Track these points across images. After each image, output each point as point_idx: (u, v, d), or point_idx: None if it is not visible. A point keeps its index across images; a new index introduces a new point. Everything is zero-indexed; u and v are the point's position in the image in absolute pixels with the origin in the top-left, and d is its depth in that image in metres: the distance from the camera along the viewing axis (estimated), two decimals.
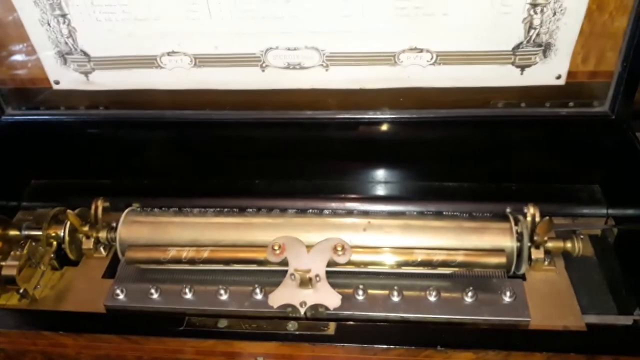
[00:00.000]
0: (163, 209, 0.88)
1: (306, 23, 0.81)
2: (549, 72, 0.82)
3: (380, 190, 0.96)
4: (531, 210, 0.80)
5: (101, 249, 0.89)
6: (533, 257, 0.79)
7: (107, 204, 0.89)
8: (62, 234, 0.85)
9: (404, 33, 0.80)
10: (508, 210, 0.84)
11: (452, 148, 0.91)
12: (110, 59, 0.88)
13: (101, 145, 0.96)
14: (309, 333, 0.63)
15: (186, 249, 0.80)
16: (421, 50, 0.82)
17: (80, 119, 0.94)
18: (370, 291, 0.77)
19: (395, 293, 0.76)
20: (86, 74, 0.90)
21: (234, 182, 0.97)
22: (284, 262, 0.76)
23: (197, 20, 0.82)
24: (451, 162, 0.93)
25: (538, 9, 0.76)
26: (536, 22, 0.77)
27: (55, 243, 0.86)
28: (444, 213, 0.87)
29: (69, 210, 0.85)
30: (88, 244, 0.87)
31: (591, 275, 0.84)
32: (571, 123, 0.86)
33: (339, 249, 0.77)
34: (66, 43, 0.87)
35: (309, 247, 0.78)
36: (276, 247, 0.77)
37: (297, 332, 0.63)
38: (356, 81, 0.86)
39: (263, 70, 0.86)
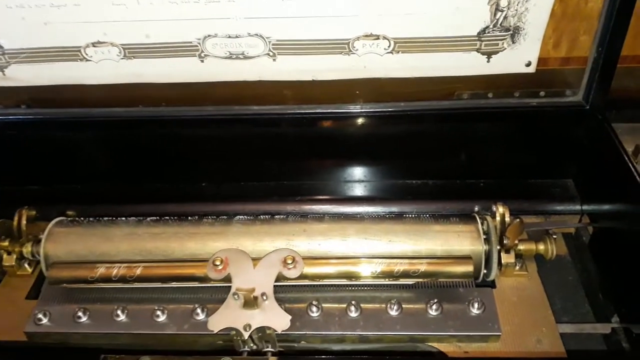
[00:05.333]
0: (99, 218, 0.82)
1: (247, 7, 0.74)
2: (518, 58, 0.79)
3: (339, 191, 0.93)
4: (500, 210, 0.78)
5: (26, 265, 0.83)
6: (503, 262, 0.77)
7: (33, 213, 0.83)
8: None
9: (358, 18, 0.75)
10: (476, 209, 0.82)
11: (415, 143, 0.87)
12: (27, 51, 0.80)
13: (25, 147, 0.89)
14: None
15: (116, 265, 0.74)
16: (377, 37, 0.77)
17: None
18: (325, 305, 0.73)
19: (353, 308, 0.72)
20: (1, 68, 0.82)
21: (177, 186, 0.92)
22: (228, 279, 0.69)
23: (123, 7, 0.75)
24: (414, 158, 0.90)
25: None
26: (503, 3, 0.73)
27: None
28: (407, 214, 0.83)
29: None
30: (9, 261, 0.81)
31: (565, 278, 0.82)
32: (542, 114, 0.83)
33: (289, 261, 0.71)
34: None
35: (257, 259, 0.71)
36: (217, 262, 0.70)
37: None
38: (308, 72, 0.81)
39: (202, 61, 0.80)
